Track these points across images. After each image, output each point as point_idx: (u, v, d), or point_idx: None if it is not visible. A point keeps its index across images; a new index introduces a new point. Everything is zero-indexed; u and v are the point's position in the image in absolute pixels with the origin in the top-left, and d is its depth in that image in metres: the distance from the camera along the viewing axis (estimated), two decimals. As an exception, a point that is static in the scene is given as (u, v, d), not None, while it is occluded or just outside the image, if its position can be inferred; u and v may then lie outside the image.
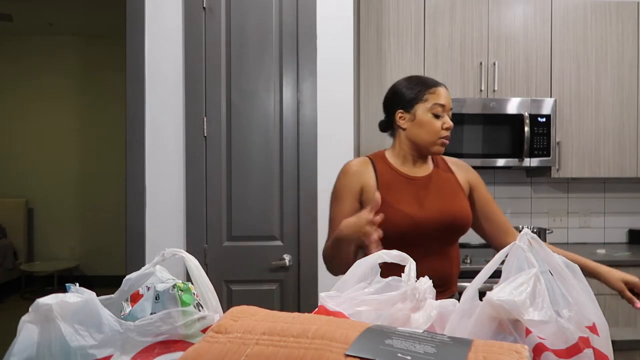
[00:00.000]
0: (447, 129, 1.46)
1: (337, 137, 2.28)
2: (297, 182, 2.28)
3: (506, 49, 2.94)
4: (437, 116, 1.46)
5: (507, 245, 1.45)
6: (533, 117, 2.84)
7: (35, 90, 5.85)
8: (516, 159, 2.85)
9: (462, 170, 1.58)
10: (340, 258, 1.43)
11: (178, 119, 2.26)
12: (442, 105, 1.46)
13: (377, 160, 1.54)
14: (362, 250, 1.50)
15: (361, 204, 1.48)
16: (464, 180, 1.55)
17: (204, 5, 2.26)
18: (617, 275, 1.34)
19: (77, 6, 4.95)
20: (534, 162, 2.85)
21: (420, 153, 1.52)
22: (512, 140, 2.84)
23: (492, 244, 1.59)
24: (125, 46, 2.26)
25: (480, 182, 1.58)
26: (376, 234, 1.27)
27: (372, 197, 1.46)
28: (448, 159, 1.60)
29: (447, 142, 1.48)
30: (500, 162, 2.85)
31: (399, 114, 1.51)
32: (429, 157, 1.56)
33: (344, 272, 1.38)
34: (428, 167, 1.54)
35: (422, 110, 1.47)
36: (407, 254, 1.38)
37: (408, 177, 1.50)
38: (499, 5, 2.94)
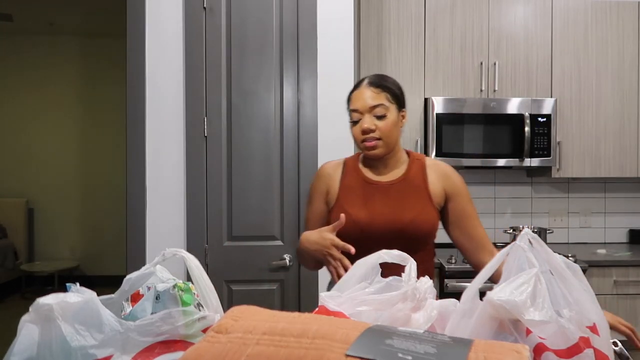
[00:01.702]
0: (363, 132, 1.40)
1: (338, 137, 2.28)
2: (297, 182, 2.28)
3: (507, 49, 2.93)
4: (355, 122, 1.43)
5: (480, 262, 1.43)
6: (533, 117, 2.84)
7: (36, 91, 5.85)
8: (517, 159, 2.84)
9: (440, 178, 1.48)
10: (306, 264, 1.54)
11: (178, 118, 2.26)
12: (356, 110, 1.42)
13: (349, 162, 1.53)
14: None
15: (327, 206, 1.51)
16: (438, 188, 1.47)
17: (205, 5, 2.26)
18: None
19: (78, 6, 4.95)
20: (534, 162, 2.85)
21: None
22: (513, 140, 2.84)
23: (466, 258, 1.51)
24: (126, 46, 2.26)
25: (459, 193, 1.48)
26: (338, 260, 1.28)
27: (334, 198, 1.48)
28: (431, 164, 1.51)
29: (370, 144, 1.41)
30: (501, 162, 2.85)
31: None
32: (402, 162, 1.50)
33: (314, 269, 1.46)
34: (398, 172, 1.48)
35: (349, 119, 1.47)
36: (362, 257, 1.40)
37: (369, 182, 1.47)
38: (500, 5, 2.94)
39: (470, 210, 1.48)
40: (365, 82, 1.44)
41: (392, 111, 1.42)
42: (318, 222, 1.52)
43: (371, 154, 1.43)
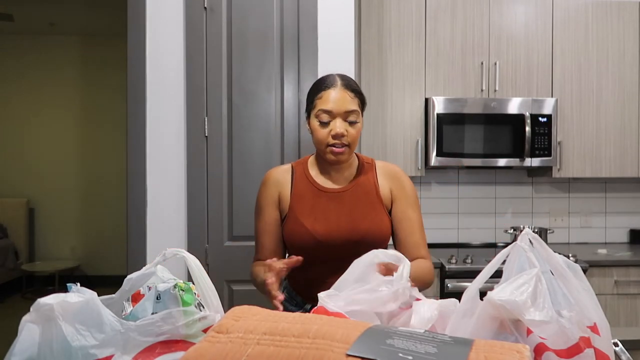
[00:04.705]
0: (334, 136, 1.33)
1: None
2: (298, 182, 2.28)
3: (507, 49, 2.93)
4: (323, 123, 1.35)
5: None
6: (534, 117, 2.84)
7: (37, 91, 5.85)
8: (517, 159, 2.84)
9: (387, 179, 1.44)
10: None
11: (179, 118, 2.26)
12: (328, 111, 1.33)
13: (298, 169, 1.46)
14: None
15: (280, 213, 1.45)
16: (386, 190, 1.43)
17: (205, 5, 2.26)
18: None
19: (78, 6, 4.95)
20: (535, 162, 2.85)
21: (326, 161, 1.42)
22: (514, 140, 2.84)
23: None
24: (127, 46, 2.26)
25: (403, 195, 1.43)
26: (279, 298, 1.15)
27: (287, 207, 1.41)
28: (381, 166, 1.47)
29: (338, 150, 1.34)
30: (502, 162, 2.85)
31: (307, 119, 1.44)
32: (352, 165, 1.45)
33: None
34: (349, 177, 1.44)
35: (312, 117, 1.38)
36: (321, 266, 1.36)
37: (321, 189, 1.42)
38: (500, 5, 2.93)
39: (411, 215, 1.42)
40: (339, 83, 1.36)
41: (360, 118, 1.38)
42: (272, 231, 1.44)
43: (336, 159, 1.37)
